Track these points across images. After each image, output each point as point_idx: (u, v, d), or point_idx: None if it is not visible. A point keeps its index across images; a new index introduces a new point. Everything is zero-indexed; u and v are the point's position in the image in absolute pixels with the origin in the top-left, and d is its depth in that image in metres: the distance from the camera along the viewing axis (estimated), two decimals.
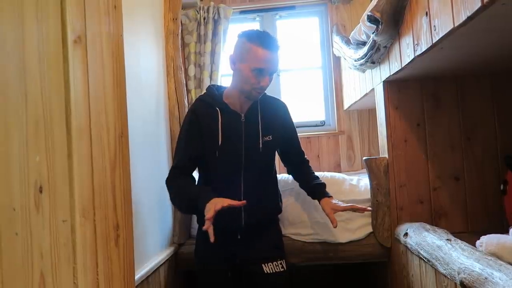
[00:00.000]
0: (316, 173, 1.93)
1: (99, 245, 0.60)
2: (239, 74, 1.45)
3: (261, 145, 1.51)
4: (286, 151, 1.70)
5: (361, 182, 1.90)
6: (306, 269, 1.64)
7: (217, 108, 1.49)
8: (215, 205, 1.28)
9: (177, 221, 1.81)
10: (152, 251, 1.54)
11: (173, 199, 1.50)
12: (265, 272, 1.48)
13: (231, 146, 1.48)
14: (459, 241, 1.19)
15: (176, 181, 1.47)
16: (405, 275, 1.53)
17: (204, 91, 1.59)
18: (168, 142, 1.87)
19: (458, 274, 1.02)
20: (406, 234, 1.48)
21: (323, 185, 1.65)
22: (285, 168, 1.78)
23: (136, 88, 1.57)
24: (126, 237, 0.70)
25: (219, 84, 2.42)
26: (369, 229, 1.76)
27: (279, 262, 1.53)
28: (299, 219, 1.80)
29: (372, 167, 1.73)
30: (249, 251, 1.50)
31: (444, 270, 1.13)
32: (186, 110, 1.96)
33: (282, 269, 1.52)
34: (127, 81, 0.87)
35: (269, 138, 1.54)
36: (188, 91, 2.94)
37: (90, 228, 0.58)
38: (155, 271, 1.49)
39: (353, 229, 1.77)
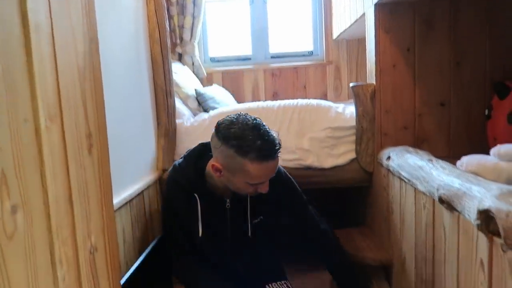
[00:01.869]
0: (302, 100, 1.90)
1: (69, 152, 0.57)
2: (228, 181, 1.17)
3: (250, 231, 1.31)
4: (296, 225, 1.43)
5: (347, 109, 1.88)
6: None
7: (195, 195, 1.25)
8: None
9: (160, 148, 1.80)
10: (136, 176, 1.53)
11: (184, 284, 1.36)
12: None
13: (214, 236, 1.30)
14: (441, 161, 1.20)
15: (185, 269, 1.32)
16: (385, 196, 1.57)
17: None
18: (149, 66, 1.79)
19: (437, 190, 1.04)
20: (388, 158, 1.50)
21: (353, 275, 1.39)
22: None
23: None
24: (100, 147, 0.67)
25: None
26: (353, 155, 1.78)
27: (283, 282, 1.40)
28: (283, 145, 1.79)
29: (358, 93, 1.70)
30: (251, 274, 1.39)
31: (424, 188, 1.15)
32: (167, 33, 1.85)
33: None
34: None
35: (259, 219, 1.32)
36: (171, 16, 2.80)
37: (58, 133, 0.54)
38: (139, 195, 1.50)
39: (337, 155, 1.78)
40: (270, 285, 1.39)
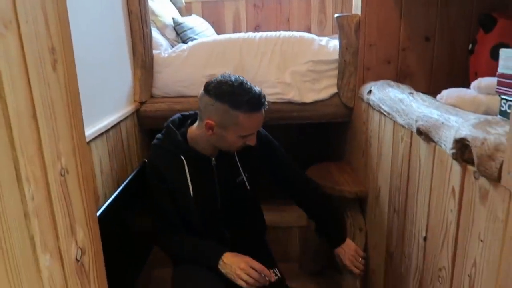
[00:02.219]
0: (285, 32, 1.83)
1: (30, 65, 0.52)
2: (219, 137, 1.24)
3: (235, 187, 1.37)
4: (278, 181, 1.49)
5: (330, 43, 1.83)
6: (268, 128, 1.65)
7: (182, 157, 1.29)
8: (245, 269, 1.21)
9: (137, 79, 1.73)
10: (112, 107, 1.48)
11: (172, 256, 1.40)
12: None
13: (204, 195, 1.33)
14: (421, 94, 1.19)
15: (172, 240, 1.34)
16: (364, 130, 1.58)
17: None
18: None
19: (416, 122, 1.04)
20: (370, 92, 1.49)
21: (335, 227, 1.49)
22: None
23: None
24: (66, 65, 0.62)
25: None
26: (334, 89, 1.76)
27: (271, 271, 1.40)
28: (264, 78, 1.76)
29: (343, 24, 1.64)
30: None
31: (403, 120, 1.15)
32: None
33: (276, 277, 1.42)
34: None
35: (245, 176, 1.38)
36: None
37: (15, 41, 0.50)
38: (115, 126, 1.46)
39: (319, 89, 1.76)
40: None
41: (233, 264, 1.23)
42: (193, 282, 1.26)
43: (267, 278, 1.24)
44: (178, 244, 1.33)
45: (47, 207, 0.56)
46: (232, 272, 1.22)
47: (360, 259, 1.49)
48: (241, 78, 1.20)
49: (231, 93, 1.16)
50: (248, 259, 1.25)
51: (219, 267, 1.24)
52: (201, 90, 1.24)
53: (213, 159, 1.33)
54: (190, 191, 1.29)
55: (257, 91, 1.19)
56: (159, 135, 1.35)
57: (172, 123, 1.33)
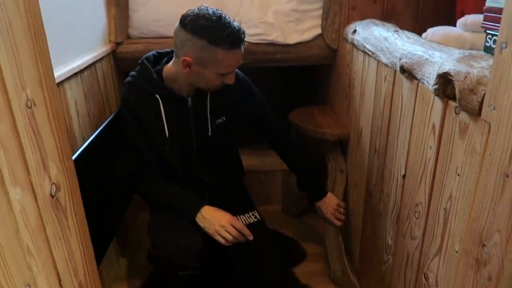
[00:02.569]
0: None
1: None
2: (197, 75, 1.17)
3: (210, 131, 1.32)
4: (256, 126, 1.47)
5: None
6: (251, 71, 1.61)
7: (157, 96, 1.22)
8: (227, 228, 1.19)
9: (112, 18, 1.64)
10: (85, 46, 1.41)
11: (148, 201, 1.36)
12: None
13: (180, 136, 1.28)
14: (407, 32, 1.16)
15: (149, 185, 1.29)
16: (348, 73, 1.56)
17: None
18: None
19: (400, 59, 1.02)
20: (354, 31, 1.44)
21: (316, 182, 1.51)
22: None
23: None
24: None
25: None
26: (318, 30, 1.71)
27: (251, 213, 1.43)
28: (246, 18, 1.68)
29: None
30: (219, 208, 1.33)
31: (387, 59, 1.13)
32: None
33: (256, 219, 1.42)
34: None
35: (222, 120, 1.33)
36: None
37: None
38: (90, 67, 1.40)
39: (302, 30, 1.70)
40: (238, 217, 1.40)
41: (213, 219, 1.21)
42: (170, 233, 1.24)
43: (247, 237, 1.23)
44: (155, 190, 1.30)
45: (14, 139, 0.53)
46: (211, 228, 1.21)
47: (342, 210, 1.52)
48: (219, 11, 1.13)
49: (209, 28, 1.09)
50: (229, 216, 1.24)
51: (197, 220, 1.23)
52: (177, 24, 1.15)
53: (189, 99, 1.27)
54: (165, 132, 1.25)
55: (236, 26, 1.12)
56: (133, 72, 1.28)
57: (146, 60, 1.26)
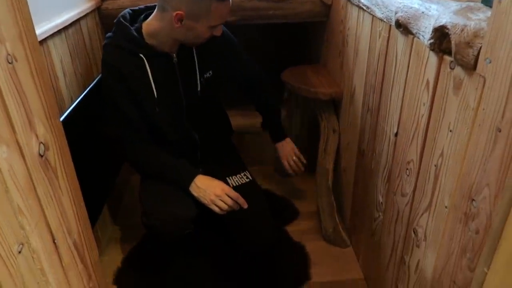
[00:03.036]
0: None
1: None
2: (187, 29, 1.14)
3: (199, 86, 1.29)
4: (234, 77, 1.46)
5: None
6: (242, 28, 1.56)
7: (141, 55, 1.17)
8: (222, 196, 1.20)
9: None
10: (68, 3, 1.34)
11: (138, 170, 1.33)
12: (231, 185, 1.37)
13: (168, 95, 1.24)
14: None
15: (139, 151, 1.26)
16: (341, 30, 1.52)
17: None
18: None
19: (396, 13, 0.99)
20: None
21: (278, 123, 1.55)
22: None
23: None
24: None
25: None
26: None
27: (242, 174, 1.43)
28: None
29: None
30: (211, 169, 1.33)
31: (382, 14, 1.09)
32: None
33: (247, 179, 1.42)
34: None
35: (209, 74, 1.31)
36: None
37: None
38: (75, 24, 1.34)
39: None
40: (230, 177, 1.41)
41: (208, 189, 1.21)
42: (163, 202, 1.23)
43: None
44: (145, 157, 1.27)
45: None
46: (206, 197, 1.20)
47: (294, 157, 1.55)
48: None
49: None
50: (223, 185, 1.23)
51: (191, 189, 1.22)
52: None
53: (174, 56, 1.23)
54: (154, 92, 1.21)
55: None
56: (109, 34, 1.21)
57: (123, 19, 1.20)
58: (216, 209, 1.21)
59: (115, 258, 1.52)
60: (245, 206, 1.25)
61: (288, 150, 1.55)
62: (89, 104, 1.32)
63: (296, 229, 1.68)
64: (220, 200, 1.20)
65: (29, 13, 0.62)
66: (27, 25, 0.60)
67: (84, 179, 0.85)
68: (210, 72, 1.31)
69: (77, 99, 1.25)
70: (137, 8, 1.27)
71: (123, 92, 1.19)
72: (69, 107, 1.18)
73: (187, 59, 1.26)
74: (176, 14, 1.09)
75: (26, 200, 0.56)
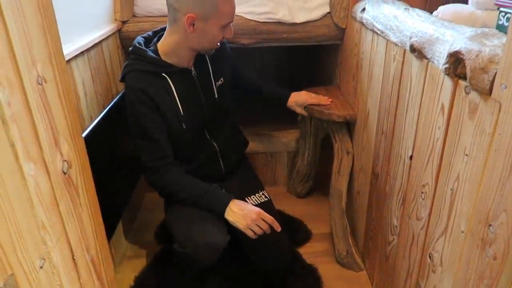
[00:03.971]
0: None
1: None
2: (200, 34, 1.19)
3: (216, 94, 1.36)
4: (236, 78, 1.52)
5: None
6: (258, 50, 1.60)
7: (164, 74, 1.22)
8: (258, 221, 1.20)
9: None
10: (92, 25, 1.40)
11: (169, 196, 1.31)
12: (251, 204, 1.36)
13: (192, 109, 1.29)
14: (417, 9, 1.14)
15: (171, 179, 1.26)
16: (356, 53, 1.54)
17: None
18: None
19: (410, 38, 1.00)
20: (363, 10, 1.42)
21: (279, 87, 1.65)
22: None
23: None
24: None
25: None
26: (327, 9, 1.68)
27: (261, 193, 1.46)
28: None
29: None
30: (231, 189, 1.36)
31: (396, 38, 1.11)
32: None
33: (266, 199, 1.45)
34: None
35: (221, 81, 1.38)
36: None
37: None
38: (97, 45, 1.39)
39: (310, 9, 1.67)
40: (249, 197, 1.42)
41: (244, 214, 1.21)
42: (197, 229, 1.22)
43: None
44: (179, 185, 1.27)
45: (26, 115, 0.54)
46: (243, 222, 1.20)
47: (313, 95, 1.64)
48: None
49: None
50: (258, 210, 1.24)
51: (226, 215, 1.22)
52: None
53: (193, 69, 1.29)
54: (179, 109, 1.26)
55: None
56: (128, 62, 1.25)
57: (139, 45, 1.25)
58: (250, 233, 1.21)
59: (128, 275, 1.52)
60: (279, 229, 1.25)
61: (302, 93, 1.64)
62: (107, 123, 1.35)
63: (309, 251, 1.67)
64: (256, 224, 1.21)
65: (58, 34, 0.65)
66: (56, 46, 0.63)
67: (101, 196, 0.87)
68: (222, 79, 1.38)
69: (97, 118, 1.29)
70: (146, 35, 1.33)
71: (152, 117, 1.22)
72: (89, 126, 1.21)
73: (203, 69, 1.32)
74: (188, 17, 1.14)
75: (50, 216, 0.58)
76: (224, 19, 1.18)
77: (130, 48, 1.26)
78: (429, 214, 0.98)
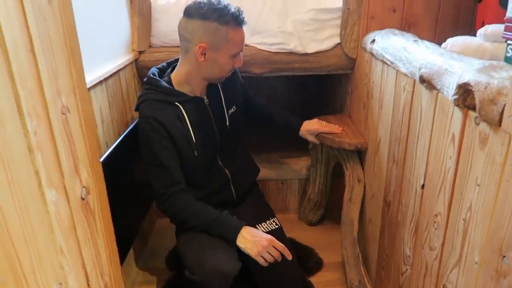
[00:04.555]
0: None
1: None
2: (211, 63, 1.24)
3: (228, 121, 1.39)
4: (247, 107, 1.58)
5: None
6: (270, 79, 1.64)
7: (178, 104, 1.26)
8: (269, 249, 1.20)
9: (135, 27, 1.69)
10: (110, 55, 1.46)
11: (181, 223, 1.32)
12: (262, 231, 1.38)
13: (204, 137, 1.32)
14: (426, 41, 1.17)
15: (182, 206, 1.28)
16: (366, 82, 1.56)
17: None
18: None
19: (419, 69, 1.03)
20: (373, 41, 1.45)
21: (291, 115, 1.67)
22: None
23: None
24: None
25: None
26: (337, 39, 1.72)
27: (272, 220, 1.48)
28: (265, 27, 1.71)
29: None
30: (242, 216, 1.37)
31: (406, 69, 1.13)
32: None
33: (276, 226, 1.47)
34: None
35: (233, 109, 1.42)
36: None
37: None
38: (114, 74, 1.44)
39: (321, 39, 1.72)
40: (260, 225, 1.43)
41: (255, 241, 1.21)
42: (208, 256, 1.22)
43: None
44: (191, 213, 1.28)
45: (50, 143, 0.56)
46: (254, 249, 1.20)
47: (324, 123, 1.65)
48: None
49: (216, 10, 1.17)
50: (270, 237, 1.23)
51: (238, 241, 1.22)
52: (181, 18, 1.23)
53: (205, 97, 1.33)
54: (192, 137, 1.28)
55: (236, 6, 1.21)
56: (143, 92, 1.28)
57: (153, 75, 1.29)
58: (262, 261, 1.20)
59: None
60: (290, 257, 1.24)
61: (314, 122, 1.65)
62: (123, 150, 1.39)
63: (320, 280, 1.64)
64: (267, 252, 1.20)
65: (82, 67, 0.69)
66: (80, 78, 0.67)
67: (114, 222, 0.89)
68: (234, 107, 1.41)
69: (113, 144, 1.32)
70: (160, 66, 1.38)
71: (165, 144, 1.24)
72: (105, 152, 1.25)
73: (215, 98, 1.36)
74: (199, 47, 1.19)
75: (67, 241, 0.59)
76: (234, 48, 1.23)
77: (145, 79, 1.30)
78: (442, 244, 0.97)
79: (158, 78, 1.28)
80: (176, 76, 1.29)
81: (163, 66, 1.37)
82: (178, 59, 1.33)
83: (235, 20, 1.19)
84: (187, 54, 1.24)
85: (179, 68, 1.29)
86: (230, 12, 1.18)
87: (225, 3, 1.20)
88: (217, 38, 1.19)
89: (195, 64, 1.24)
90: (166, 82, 1.27)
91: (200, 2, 1.19)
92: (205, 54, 1.21)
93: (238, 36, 1.22)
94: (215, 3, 1.18)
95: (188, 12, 1.20)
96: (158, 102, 1.25)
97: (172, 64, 1.36)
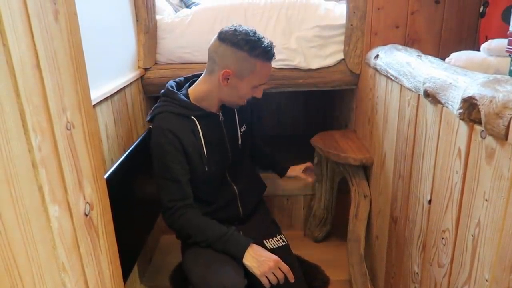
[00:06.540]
0: None
1: (32, 15, 0.52)
2: (232, 89, 1.24)
3: (240, 139, 1.41)
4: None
5: (337, 7, 1.79)
6: (273, 94, 1.64)
7: (193, 118, 1.27)
8: (275, 269, 1.18)
9: (141, 45, 1.71)
10: (116, 72, 1.47)
11: (187, 238, 1.30)
12: (269, 248, 1.38)
13: (217, 153, 1.32)
14: (430, 56, 1.17)
15: (189, 221, 1.26)
16: (370, 97, 1.56)
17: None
18: None
19: (423, 84, 1.03)
20: (377, 56, 1.46)
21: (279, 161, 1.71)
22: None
23: None
24: (68, 17, 0.61)
25: None
26: (341, 55, 1.73)
27: (279, 237, 1.47)
28: None
29: None
30: (249, 232, 1.37)
31: (410, 84, 1.13)
32: None
33: (283, 243, 1.46)
34: None
35: (244, 128, 1.43)
36: None
37: None
38: (120, 91, 1.46)
39: (325, 56, 1.73)
40: (267, 240, 1.42)
41: (262, 260, 1.19)
42: (214, 273, 1.21)
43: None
44: (197, 228, 1.26)
45: (54, 159, 0.56)
46: (260, 268, 1.18)
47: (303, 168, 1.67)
48: (253, 28, 1.22)
49: (249, 41, 1.17)
50: (276, 258, 1.22)
51: (244, 259, 1.21)
52: (214, 39, 1.23)
53: (220, 114, 1.33)
54: (204, 152, 1.28)
55: (269, 41, 1.22)
56: (160, 102, 1.29)
57: (171, 88, 1.30)
58: (265, 281, 1.18)
59: None
60: (293, 280, 1.22)
61: (298, 169, 1.67)
62: (128, 167, 1.38)
63: None
64: (272, 273, 1.19)
65: (88, 84, 0.69)
66: (85, 94, 0.67)
67: (118, 239, 0.88)
68: (244, 126, 1.43)
69: (118, 161, 1.32)
70: (178, 80, 1.38)
71: (178, 158, 1.24)
72: (110, 168, 1.25)
73: (230, 115, 1.37)
74: (224, 72, 1.20)
75: (70, 257, 0.59)
76: (258, 80, 1.24)
77: (162, 91, 1.31)
78: (451, 261, 0.95)
79: (176, 91, 1.28)
80: (194, 91, 1.29)
81: (180, 80, 1.38)
82: (196, 74, 1.35)
83: (266, 55, 1.20)
84: (212, 74, 1.25)
85: (200, 85, 1.30)
86: (262, 46, 1.18)
87: (260, 35, 1.21)
88: (244, 67, 1.20)
89: (216, 85, 1.25)
90: (183, 95, 1.28)
91: (236, 30, 1.20)
92: (228, 79, 1.21)
93: (265, 70, 1.23)
94: (250, 34, 1.19)
95: (222, 37, 1.20)
96: (175, 115, 1.25)
97: (191, 80, 1.37)
